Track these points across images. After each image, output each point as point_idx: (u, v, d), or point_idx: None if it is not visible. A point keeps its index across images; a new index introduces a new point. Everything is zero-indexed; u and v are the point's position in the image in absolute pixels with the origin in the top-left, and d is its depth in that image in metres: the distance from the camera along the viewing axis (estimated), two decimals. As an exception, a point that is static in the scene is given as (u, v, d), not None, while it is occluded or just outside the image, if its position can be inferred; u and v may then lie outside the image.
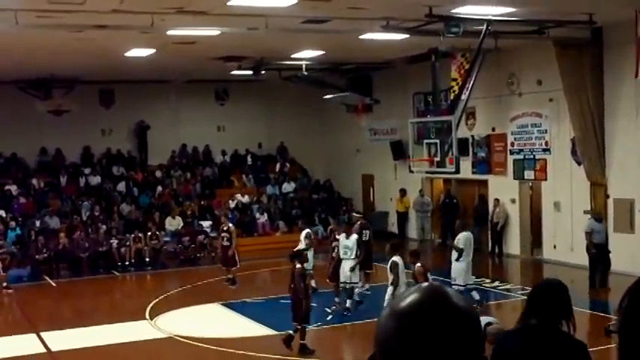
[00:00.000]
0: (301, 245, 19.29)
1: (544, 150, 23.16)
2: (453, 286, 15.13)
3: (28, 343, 15.66)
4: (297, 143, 33.48)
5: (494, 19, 17.71)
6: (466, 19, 17.26)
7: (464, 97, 20.93)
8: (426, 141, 22.42)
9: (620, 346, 2.17)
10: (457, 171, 21.37)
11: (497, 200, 24.90)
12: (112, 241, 25.49)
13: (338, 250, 17.59)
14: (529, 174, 23.85)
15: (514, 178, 24.42)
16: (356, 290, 17.53)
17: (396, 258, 14.90)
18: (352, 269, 17.11)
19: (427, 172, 25.00)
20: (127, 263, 25.25)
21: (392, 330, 1.86)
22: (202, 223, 28.37)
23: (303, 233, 19.52)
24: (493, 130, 25.13)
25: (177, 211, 28.56)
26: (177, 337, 15.83)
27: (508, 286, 20.33)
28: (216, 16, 15.95)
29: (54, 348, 15.36)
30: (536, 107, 23.28)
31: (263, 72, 25.24)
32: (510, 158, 24.44)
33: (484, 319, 6.62)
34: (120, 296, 23.21)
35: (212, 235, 27.06)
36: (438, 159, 21.23)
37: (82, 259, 24.77)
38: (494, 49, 20.96)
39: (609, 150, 20.92)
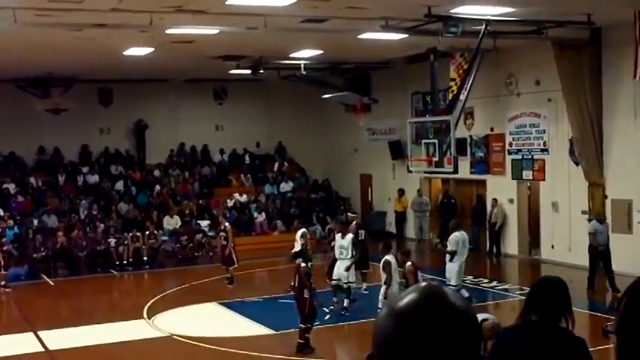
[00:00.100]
0: (297, 245, 19.36)
1: (542, 150, 23.17)
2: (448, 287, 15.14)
3: (25, 342, 15.66)
4: (295, 143, 33.48)
5: (493, 19, 17.72)
6: (465, 19, 17.27)
7: (462, 97, 20.95)
8: (424, 141, 22.45)
9: (618, 346, 2.18)
10: (455, 171, 21.38)
11: (495, 200, 24.91)
12: (110, 240, 25.47)
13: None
14: (527, 174, 23.86)
15: (512, 178, 24.44)
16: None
17: (388, 257, 15.05)
18: (347, 269, 17.13)
19: (425, 172, 25.01)
20: (124, 262, 25.23)
21: (390, 330, 1.86)
22: (200, 222, 28.37)
23: (299, 233, 19.61)
24: (491, 130, 25.14)
25: (175, 210, 28.55)
26: (174, 337, 15.83)
27: (506, 286, 20.35)
28: (215, 15, 15.95)
29: (52, 347, 15.35)
30: (534, 107, 23.30)
31: (262, 71, 25.23)
32: (508, 158, 24.46)
33: (479, 316, 6.62)
34: (118, 295, 23.21)
35: (210, 234, 27.09)
36: (436, 159, 21.25)
37: (79, 258, 24.76)
38: (492, 49, 20.98)
39: (607, 150, 20.93)
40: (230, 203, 29.96)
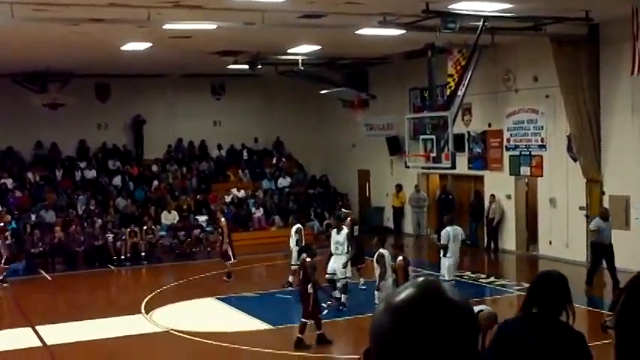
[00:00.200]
0: (292, 240, 19.42)
1: (540, 146, 23.18)
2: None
3: (23, 337, 15.66)
4: (293, 138, 33.48)
5: (491, 15, 17.72)
6: (463, 15, 17.26)
7: (460, 92, 20.96)
8: (422, 136, 22.44)
9: (616, 342, 2.18)
10: (453, 167, 21.38)
11: (493, 196, 24.92)
12: (107, 235, 25.46)
13: None
14: (525, 170, 23.88)
15: (510, 174, 24.45)
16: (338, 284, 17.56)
17: (382, 250, 15.28)
18: (344, 266, 17.22)
19: (423, 168, 24.98)
20: (122, 257, 25.23)
21: (387, 325, 1.87)
22: (198, 217, 28.36)
23: (294, 228, 19.69)
24: (489, 126, 25.14)
25: (173, 205, 28.54)
26: (172, 332, 15.83)
27: (504, 282, 20.36)
28: (212, 10, 15.94)
29: (49, 342, 15.35)
30: (532, 103, 23.30)
31: (259, 67, 25.20)
32: (506, 154, 24.47)
33: (475, 308, 6.65)
34: (115, 290, 23.20)
35: (208, 229, 27.09)
36: (434, 154, 21.25)
37: (77, 253, 24.76)
38: (490, 45, 20.98)
39: (605, 147, 20.94)
40: (228, 199, 29.97)
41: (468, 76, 20.66)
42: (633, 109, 20.00)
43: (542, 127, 23.06)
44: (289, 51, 23.81)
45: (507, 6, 17.24)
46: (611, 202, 20.59)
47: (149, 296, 19.17)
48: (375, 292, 15.25)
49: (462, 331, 1.86)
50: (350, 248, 17.45)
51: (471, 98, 23.81)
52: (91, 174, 30.08)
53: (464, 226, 25.81)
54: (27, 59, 24.01)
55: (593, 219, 19.27)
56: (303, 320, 14.21)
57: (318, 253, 15.66)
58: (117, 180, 30.06)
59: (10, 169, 29.18)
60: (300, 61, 24.95)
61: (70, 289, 21.87)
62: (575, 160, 21.70)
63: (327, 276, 17.36)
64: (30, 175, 29.25)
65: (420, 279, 1.96)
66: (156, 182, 30.29)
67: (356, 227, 19.32)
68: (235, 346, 14.62)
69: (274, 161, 33.24)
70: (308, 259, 14.48)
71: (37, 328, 16.31)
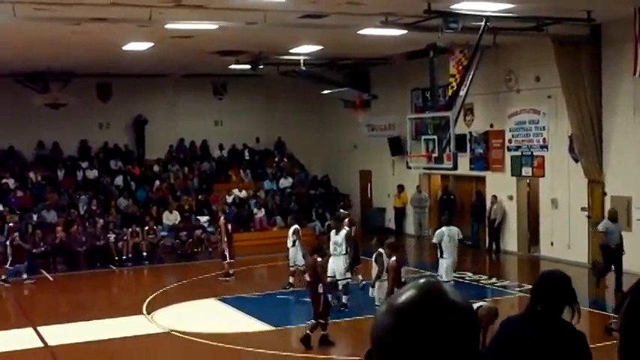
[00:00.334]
0: (289, 241, 19.44)
1: (542, 147, 23.17)
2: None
3: (25, 337, 15.66)
4: (295, 138, 33.49)
5: (493, 16, 17.72)
6: (465, 15, 17.26)
7: (462, 93, 20.95)
8: (423, 137, 22.44)
9: (620, 344, 2.17)
10: (455, 167, 21.36)
11: (494, 197, 24.91)
12: (109, 235, 25.47)
13: None
14: (527, 171, 23.86)
15: (512, 175, 24.44)
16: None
17: (382, 250, 15.44)
18: (348, 269, 17.24)
19: (425, 168, 24.97)
20: (124, 258, 25.24)
21: (388, 326, 1.87)
22: (200, 217, 28.36)
23: (292, 229, 19.72)
24: (491, 126, 25.14)
25: (174, 205, 28.55)
26: (174, 332, 15.83)
27: (505, 283, 20.35)
28: (214, 10, 15.94)
29: (51, 342, 15.36)
30: (534, 104, 23.29)
31: (261, 67, 25.22)
32: (508, 155, 24.46)
33: (474, 305, 6.68)
34: (117, 291, 23.20)
35: (209, 230, 27.10)
36: (435, 155, 21.24)
37: (79, 254, 24.77)
38: (492, 46, 20.97)
39: (607, 147, 20.93)
40: (229, 199, 29.97)
41: (470, 77, 20.64)
42: (635, 110, 19.99)
43: (543, 128, 23.05)
44: (291, 51, 23.81)
45: (509, 6, 17.23)
46: (612, 203, 20.56)
47: (151, 297, 19.18)
48: (370, 289, 15.39)
49: (463, 333, 1.86)
50: (349, 249, 17.45)
51: (473, 98, 23.81)
52: (93, 174, 30.10)
53: (465, 226, 25.97)
54: (28, 59, 24.03)
55: (600, 220, 19.18)
56: (319, 321, 14.16)
57: (327, 254, 15.66)
58: (118, 180, 30.08)
59: (12, 168, 29.20)
60: (301, 61, 24.95)
61: (72, 289, 21.87)
62: (576, 160, 21.69)
63: (328, 279, 17.35)
64: (32, 174, 29.27)
65: (421, 280, 1.95)
66: (157, 182, 30.30)
67: (353, 228, 19.32)
68: (237, 347, 14.62)
69: (276, 161, 33.25)
70: (319, 259, 14.48)
71: (39, 328, 16.31)
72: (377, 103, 28.90)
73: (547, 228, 23.33)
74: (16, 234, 22.62)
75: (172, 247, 26.65)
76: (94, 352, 14.89)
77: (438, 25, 17.39)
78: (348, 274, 17.40)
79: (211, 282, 21.23)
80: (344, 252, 17.23)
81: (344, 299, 17.11)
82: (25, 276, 21.80)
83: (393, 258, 14.64)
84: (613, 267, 18.25)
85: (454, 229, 17.31)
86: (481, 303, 9.12)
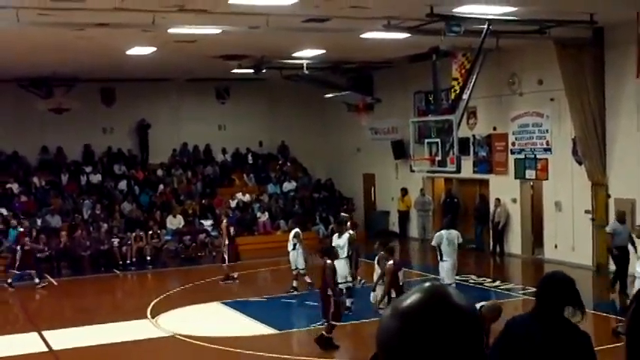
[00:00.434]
0: (290, 245, 19.46)
1: (545, 150, 23.16)
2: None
3: (29, 341, 15.67)
4: (298, 142, 33.49)
5: (496, 19, 17.71)
6: (467, 19, 17.25)
7: (465, 96, 20.91)
8: (427, 140, 22.41)
9: (627, 346, 2.19)
10: (458, 170, 21.38)
11: (498, 200, 24.89)
12: (113, 239, 25.48)
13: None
14: (530, 173, 23.84)
15: (515, 178, 24.42)
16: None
17: (383, 252, 15.34)
18: (352, 275, 17.24)
19: (428, 172, 25.00)
20: (128, 262, 25.24)
21: (393, 330, 1.87)
22: (203, 222, 28.37)
23: (292, 233, 19.75)
24: (494, 129, 25.13)
25: (178, 209, 28.56)
26: (178, 336, 15.83)
27: (509, 286, 20.32)
28: (217, 14, 15.95)
29: (55, 347, 15.37)
30: (537, 107, 23.28)
31: (264, 71, 25.22)
32: (511, 158, 24.44)
33: (477, 304, 6.70)
34: (121, 295, 23.22)
35: (213, 234, 27.10)
36: (439, 158, 21.22)
37: (83, 258, 24.77)
38: (495, 49, 20.93)
39: (610, 150, 20.91)
40: (233, 203, 29.97)
41: (473, 80, 20.61)
42: (638, 112, 19.96)
43: (547, 131, 23.03)
44: (294, 55, 23.83)
45: (512, 9, 17.24)
46: (616, 205, 20.53)
47: (155, 301, 19.18)
48: (372, 294, 15.39)
49: (467, 336, 1.87)
50: (351, 252, 17.43)
51: (476, 102, 23.78)
52: (97, 178, 30.13)
53: (469, 229, 25.97)
54: (32, 64, 24.07)
55: (605, 222, 19.11)
56: (332, 323, 14.16)
57: (338, 257, 15.64)
58: (122, 184, 30.11)
59: (16, 173, 29.24)
60: (304, 65, 24.96)
61: (76, 293, 21.89)
62: (580, 163, 21.67)
63: None
64: (35, 179, 29.30)
65: (426, 284, 1.96)
66: (161, 187, 30.32)
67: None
68: (240, 350, 14.62)
69: (279, 164, 33.25)
70: (328, 262, 14.47)
71: (43, 333, 16.33)
72: (380, 106, 28.90)
73: (551, 231, 23.30)
74: (27, 239, 22.66)
75: (176, 252, 26.66)
76: (98, 357, 14.90)
77: (440, 29, 17.38)
78: (349, 277, 17.38)
79: (215, 286, 21.23)
80: (346, 255, 17.22)
81: (348, 302, 17.09)
82: (37, 280, 21.82)
83: (391, 261, 14.63)
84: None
85: (454, 233, 17.30)
86: (482, 303, 9.11)
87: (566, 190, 22.42)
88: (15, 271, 21.90)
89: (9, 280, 21.70)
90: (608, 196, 21.07)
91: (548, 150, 23.06)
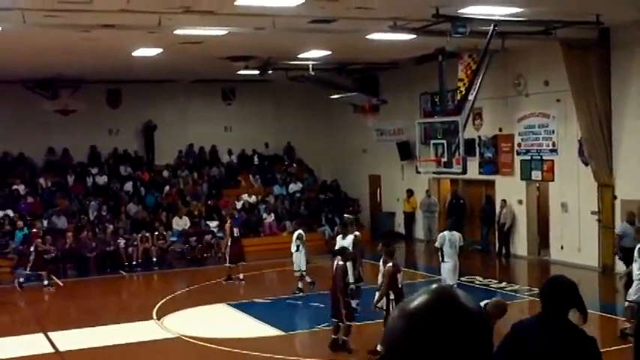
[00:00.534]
0: (293, 246, 19.46)
1: (551, 151, 23.12)
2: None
3: (35, 342, 15.70)
4: (304, 143, 33.50)
5: (501, 20, 17.70)
6: (473, 20, 17.25)
7: (471, 97, 20.91)
8: (433, 141, 22.43)
9: (635, 348, 2.18)
10: (464, 171, 21.35)
11: (504, 201, 24.86)
12: (119, 240, 25.52)
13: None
14: (536, 175, 23.81)
15: (521, 179, 24.39)
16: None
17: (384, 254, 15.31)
18: (355, 278, 17.20)
19: (434, 173, 24.99)
20: (134, 263, 25.28)
21: (400, 331, 1.87)
22: (209, 223, 28.38)
23: (295, 234, 19.77)
24: (500, 130, 25.10)
25: (184, 211, 28.57)
26: (184, 337, 15.84)
27: (515, 287, 20.29)
28: (223, 15, 15.97)
29: (61, 348, 15.38)
30: (543, 108, 23.25)
31: (270, 72, 25.26)
32: (517, 159, 24.41)
33: (481, 303, 6.70)
34: (127, 296, 23.24)
35: (219, 235, 27.10)
36: (445, 159, 21.22)
37: (89, 259, 24.81)
38: (501, 50, 20.93)
39: (617, 151, 20.87)
40: (239, 204, 29.97)
41: (479, 81, 20.61)
42: (645, 113, 19.94)
43: (553, 132, 23.00)
44: (300, 56, 23.85)
45: (518, 10, 17.22)
46: (623, 206, 20.51)
47: (161, 302, 19.20)
48: (376, 294, 15.34)
49: (474, 337, 1.87)
50: (356, 253, 17.40)
51: (482, 103, 23.78)
52: (103, 180, 30.17)
53: (475, 231, 25.97)
54: (38, 65, 24.13)
55: (611, 223, 19.04)
56: (340, 324, 14.14)
57: (350, 258, 15.61)
58: (128, 186, 30.14)
59: (22, 174, 29.29)
60: (310, 66, 24.98)
61: (82, 294, 21.91)
62: (586, 164, 21.64)
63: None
64: (42, 180, 29.36)
65: (434, 285, 1.96)
66: (167, 188, 30.35)
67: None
68: (246, 351, 14.61)
69: (285, 165, 33.26)
70: (340, 263, 14.45)
71: (49, 334, 16.35)
72: (386, 107, 28.89)
73: (557, 232, 23.27)
74: (39, 240, 22.70)
75: (182, 253, 26.68)
76: (104, 358, 14.92)
77: (446, 30, 17.38)
78: (351, 279, 17.35)
79: (221, 287, 21.25)
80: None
81: (353, 304, 17.05)
82: (45, 282, 21.85)
83: (390, 263, 14.60)
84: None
85: (455, 234, 17.30)
86: (486, 301, 9.09)
87: (573, 191, 22.38)
88: (27, 272, 21.92)
89: (20, 280, 21.75)
90: (615, 197, 21.03)
91: (554, 151, 23.03)
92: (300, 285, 19.43)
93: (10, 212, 26.81)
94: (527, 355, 4.89)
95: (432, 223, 28.43)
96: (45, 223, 26.50)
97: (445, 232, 17.28)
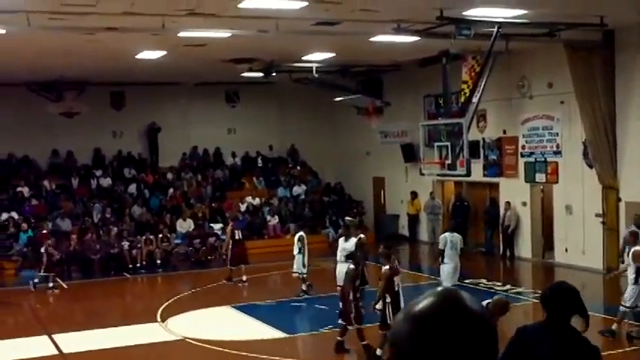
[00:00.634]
0: (295, 248, 19.46)
1: (555, 153, 23.10)
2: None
3: (40, 344, 15.71)
4: (307, 145, 33.52)
5: (505, 22, 17.67)
6: (477, 22, 17.24)
7: (475, 99, 20.88)
8: (436, 143, 22.36)
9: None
10: (468, 174, 21.28)
11: (508, 203, 24.84)
12: (123, 243, 25.54)
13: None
14: (540, 177, 23.79)
15: (525, 181, 24.37)
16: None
17: (381, 257, 15.37)
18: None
19: (438, 175, 24.94)
20: (138, 265, 25.30)
21: (406, 333, 1.87)
22: (213, 225, 28.40)
23: (297, 237, 19.78)
24: (504, 132, 25.09)
25: (188, 213, 28.59)
26: (188, 340, 15.84)
27: (519, 290, 20.27)
28: (227, 18, 15.98)
29: (66, 350, 15.39)
30: (547, 110, 23.23)
31: (274, 74, 25.25)
32: (521, 161, 24.39)
33: (483, 302, 6.70)
34: (131, 298, 23.25)
35: (223, 237, 27.09)
36: (449, 161, 21.17)
37: (93, 262, 24.83)
38: (505, 52, 20.90)
39: (621, 153, 20.85)
40: (243, 206, 29.98)
41: (483, 83, 20.58)
42: (649, 115, 19.92)
43: (557, 134, 22.99)
44: (303, 58, 23.85)
45: (522, 12, 17.21)
46: (627, 209, 20.48)
47: (165, 304, 19.20)
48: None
49: (479, 340, 1.86)
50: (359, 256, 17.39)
51: (486, 105, 23.76)
52: (107, 182, 30.21)
53: (479, 233, 25.95)
54: (42, 68, 24.16)
55: (629, 227, 18.96)
56: (358, 327, 14.14)
57: (359, 262, 15.60)
58: (132, 188, 30.17)
59: (27, 177, 29.33)
60: (314, 68, 24.99)
61: (86, 297, 21.91)
62: (590, 166, 21.61)
63: (338, 287, 17.31)
64: (46, 183, 29.39)
65: (439, 288, 1.96)
66: (171, 190, 30.39)
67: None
68: (250, 354, 14.60)
69: (289, 168, 33.27)
70: (351, 267, 14.45)
71: (54, 336, 16.36)
72: (390, 109, 28.88)
73: (561, 234, 23.25)
74: (49, 241, 22.70)
75: (186, 255, 26.69)
76: (108, 360, 14.94)
77: (450, 32, 17.37)
78: (358, 281, 17.34)
79: (225, 289, 21.25)
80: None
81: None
82: (51, 284, 21.88)
83: (387, 266, 14.58)
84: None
85: (457, 237, 17.30)
86: (487, 300, 9.08)
87: (577, 193, 22.36)
88: (41, 273, 21.94)
89: (35, 280, 21.80)
90: (619, 199, 21.00)
91: (558, 153, 23.01)
92: (304, 287, 19.44)
93: (14, 214, 26.84)
94: (532, 359, 4.91)
95: (436, 225, 28.41)
96: (49, 225, 26.51)
97: (447, 234, 17.29)
